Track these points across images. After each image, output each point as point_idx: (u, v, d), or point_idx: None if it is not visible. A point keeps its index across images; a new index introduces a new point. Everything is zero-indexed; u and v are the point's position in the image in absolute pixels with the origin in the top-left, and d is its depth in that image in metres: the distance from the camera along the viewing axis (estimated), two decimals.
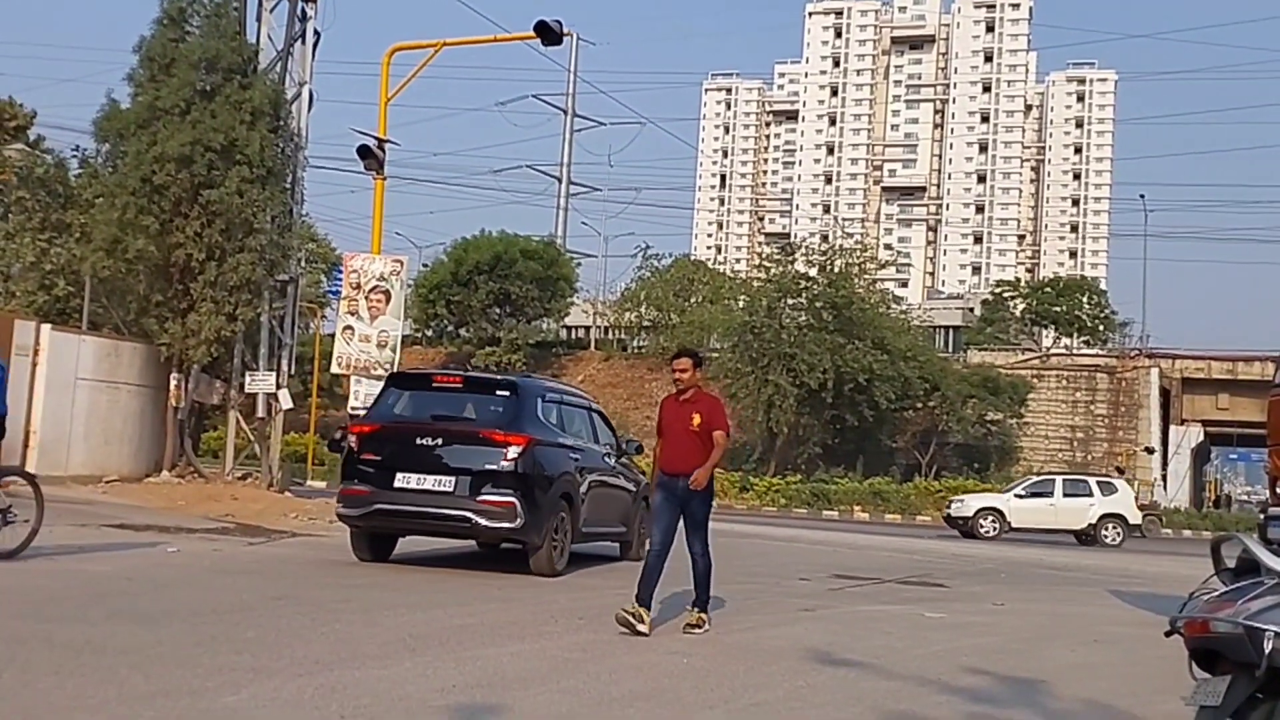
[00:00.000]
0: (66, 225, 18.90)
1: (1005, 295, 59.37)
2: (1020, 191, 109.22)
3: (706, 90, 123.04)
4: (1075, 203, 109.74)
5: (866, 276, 38.01)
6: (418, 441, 8.94)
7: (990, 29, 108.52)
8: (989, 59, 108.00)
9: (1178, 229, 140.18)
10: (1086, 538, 23.05)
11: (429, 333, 45.98)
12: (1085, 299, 53.62)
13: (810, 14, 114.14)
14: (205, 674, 4.69)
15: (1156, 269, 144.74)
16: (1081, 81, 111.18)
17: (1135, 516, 23.92)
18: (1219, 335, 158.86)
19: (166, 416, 16.32)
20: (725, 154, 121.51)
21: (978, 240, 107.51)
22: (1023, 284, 63.39)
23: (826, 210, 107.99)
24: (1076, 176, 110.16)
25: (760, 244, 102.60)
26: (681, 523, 6.84)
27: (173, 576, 7.93)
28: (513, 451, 8.73)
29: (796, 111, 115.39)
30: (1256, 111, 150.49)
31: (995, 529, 23.37)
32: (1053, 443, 41.54)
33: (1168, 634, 3.61)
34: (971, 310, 61.02)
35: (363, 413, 16.30)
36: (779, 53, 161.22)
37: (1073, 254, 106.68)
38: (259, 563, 9.25)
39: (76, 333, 16.35)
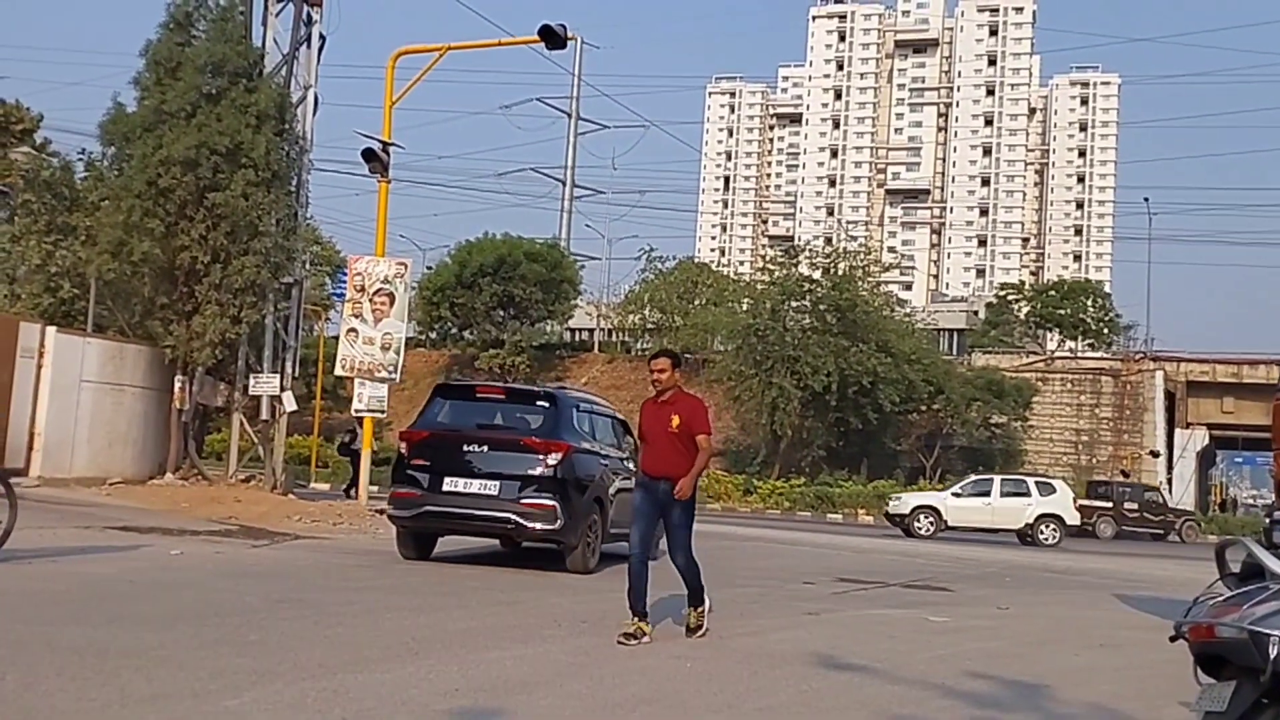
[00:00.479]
0: (72, 228, 18.93)
1: (1009, 298, 59.21)
2: (1024, 195, 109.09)
3: (710, 93, 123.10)
4: (1079, 206, 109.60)
5: (870, 279, 37.99)
6: (465, 448, 9.64)
7: (994, 32, 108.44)
8: (992, 62, 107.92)
9: (1182, 232, 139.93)
10: (1027, 538, 23.23)
11: (433, 335, 46.01)
12: (1089, 302, 53.47)
13: (814, 17, 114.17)
14: (208, 677, 4.69)
15: (1161, 272, 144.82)
16: (1085, 85, 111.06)
17: (1073, 517, 24.16)
18: (1224, 339, 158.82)
19: (170, 419, 16.34)
20: (729, 157, 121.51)
21: (982, 243, 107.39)
22: (1027, 287, 63.18)
23: (830, 213, 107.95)
24: (1080, 180, 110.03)
25: (764, 247, 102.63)
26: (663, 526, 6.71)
27: (176, 579, 7.93)
28: (553, 458, 9.46)
29: (800, 114, 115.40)
30: (1261, 115, 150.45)
31: (931, 527, 23.66)
32: (1057, 446, 41.47)
33: (1173, 638, 3.60)
34: (976, 313, 60.93)
35: (365, 415, 16.43)
36: (783, 56, 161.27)
37: (1077, 257, 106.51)
38: (262, 565, 9.25)
39: (81, 335, 16.37)
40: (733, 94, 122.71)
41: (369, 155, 16.37)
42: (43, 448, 14.96)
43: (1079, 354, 49.14)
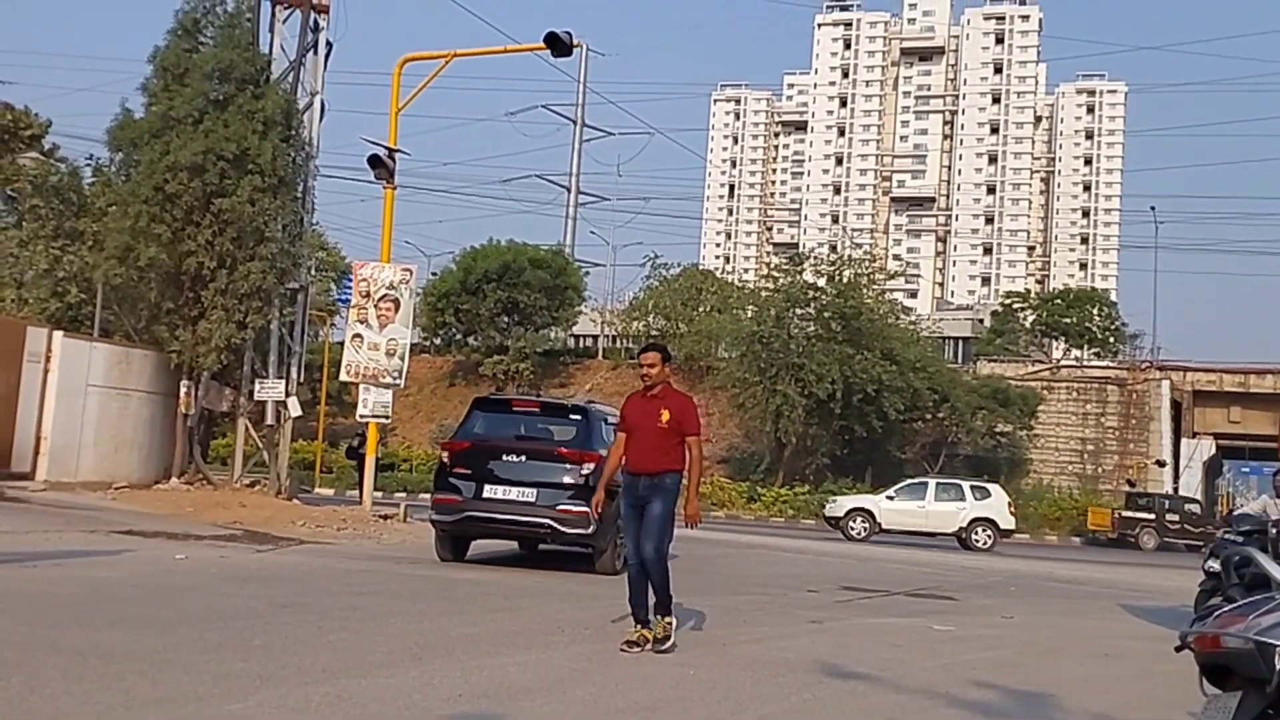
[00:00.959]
0: (79, 233, 19.03)
1: (1015, 306, 59.12)
2: (1030, 203, 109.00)
3: (715, 100, 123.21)
4: (1085, 214, 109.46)
5: (875, 287, 37.92)
6: (503, 458, 10.35)
7: (1000, 40, 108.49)
8: (998, 70, 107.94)
9: (1188, 241, 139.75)
10: (963, 541, 23.28)
11: (437, 341, 46.06)
12: (1095, 311, 53.38)
13: (819, 25, 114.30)
14: (211, 681, 4.69)
15: (1167, 281, 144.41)
16: (1091, 93, 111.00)
17: (1007, 521, 24.10)
18: (1230, 348, 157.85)
19: (176, 423, 16.38)
20: (734, 164, 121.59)
21: (987, 251, 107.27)
22: (1032, 295, 63.10)
23: (835, 220, 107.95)
24: (1086, 188, 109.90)
25: (768, 254, 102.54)
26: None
27: (180, 583, 7.94)
28: (586, 468, 10.08)
29: (805, 122, 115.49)
30: (1267, 124, 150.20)
31: (865, 530, 23.77)
32: (1063, 455, 41.34)
33: (1178, 648, 3.59)
34: (981, 321, 60.83)
35: (370, 420, 16.45)
36: (788, 63, 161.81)
37: (1083, 265, 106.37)
38: (266, 570, 9.26)
39: (88, 339, 16.43)
40: (738, 101, 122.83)
41: (375, 161, 16.40)
42: (49, 452, 15.00)
43: (1085, 363, 49.03)
